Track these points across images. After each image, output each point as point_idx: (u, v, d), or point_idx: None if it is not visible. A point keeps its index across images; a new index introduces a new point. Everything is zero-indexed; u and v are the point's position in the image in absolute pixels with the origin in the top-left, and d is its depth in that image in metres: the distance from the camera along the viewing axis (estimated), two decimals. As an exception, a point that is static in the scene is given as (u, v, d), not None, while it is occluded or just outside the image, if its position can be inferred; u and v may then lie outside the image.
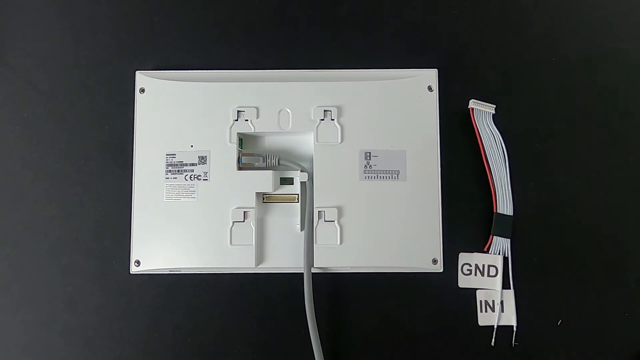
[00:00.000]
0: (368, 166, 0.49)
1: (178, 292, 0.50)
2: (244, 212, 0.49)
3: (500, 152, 0.51)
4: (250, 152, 0.51)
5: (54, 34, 0.53)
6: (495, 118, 0.51)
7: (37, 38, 0.53)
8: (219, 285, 0.50)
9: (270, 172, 0.49)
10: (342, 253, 0.48)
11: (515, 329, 0.50)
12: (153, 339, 0.50)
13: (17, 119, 0.52)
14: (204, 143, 0.50)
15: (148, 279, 0.50)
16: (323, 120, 0.50)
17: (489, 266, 0.50)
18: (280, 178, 0.50)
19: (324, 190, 0.49)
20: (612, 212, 0.51)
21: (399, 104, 0.50)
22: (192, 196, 0.49)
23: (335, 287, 0.50)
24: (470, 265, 0.51)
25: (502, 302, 0.50)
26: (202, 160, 0.49)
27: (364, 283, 0.50)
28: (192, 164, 0.49)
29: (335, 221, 0.48)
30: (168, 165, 0.50)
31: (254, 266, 0.48)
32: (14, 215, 0.51)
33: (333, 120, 0.50)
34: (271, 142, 0.52)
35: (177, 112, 0.50)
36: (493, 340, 0.50)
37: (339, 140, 0.50)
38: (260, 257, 0.49)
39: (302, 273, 0.48)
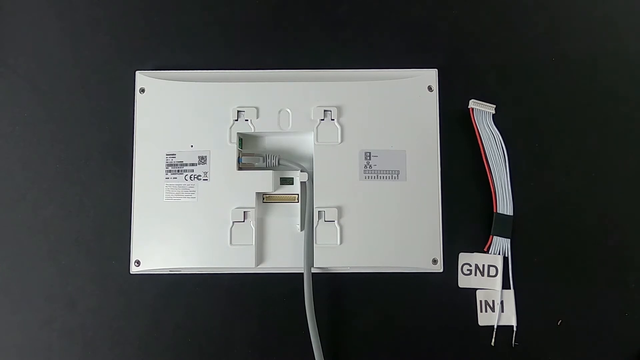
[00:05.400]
0: (368, 166, 0.49)
1: (178, 292, 0.50)
2: (244, 212, 0.49)
3: (500, 152, 0.51)
4: (250, 152, 0.51)
5: (54, 34, 0.53)
6: (495, 118, 0.51)
7: (37, 38, 0.53)
8: (219, 285, 0.50)
9: (270, 172, 0.49)
10: (342, 253, 0.48)
11: (515, 329, 0.50)
12: (153, 339, 0.50)
13: (17, 119, 0.52)
14: (204, 143, 0.50)
15: (148, 279, 0.50)
16: (323, 120, 0.50)
17: (489, 266, 0.50)
18: (280, 178, 0.50)
19: (324, 190, 0.49)
20: (612, 212, 0.51)
21: (399, 104, 0.50)
22: (192, 196, 0.49)
23: (335, 287, 0.50)
24: (470, 265, 0.51)
25: (502, 302, 0.50)
26: (202, 160, 0.49)
27: (364, 283, 0.50)
28: (192, 164, 0.49)
29: (335, 221, 0.48)
30: (168, 165, 0.50)
31: (254, 266, 0.48)
32: (14, 215, 0.51)
33: (333, 120, 0.50)
34: (271, 142, 0.52)
35: (177, 112, 0.50)
36: (493, 340, 0.50)
37: (339, 140, 0.49)
38: (260, 257, 0.49)
39: (302, 273, 0.48)
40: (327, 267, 0.49)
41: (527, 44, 0.53)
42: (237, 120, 0.50)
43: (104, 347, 0.50)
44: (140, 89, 0.51)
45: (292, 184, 0.50)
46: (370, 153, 0.49)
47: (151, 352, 0.50)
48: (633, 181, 0.52)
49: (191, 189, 0.49)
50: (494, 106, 0.51)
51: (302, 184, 0.50)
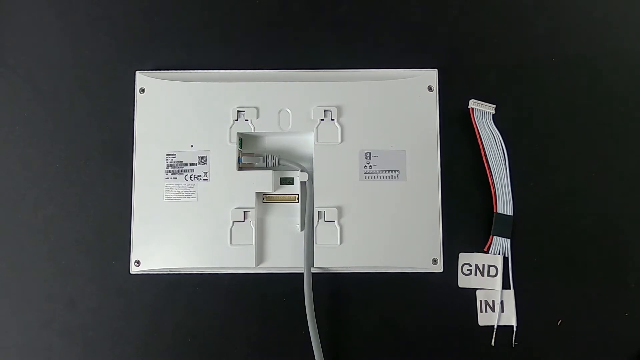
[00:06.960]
0: (368, 166, 0.49)
1: (178, 292, 0.50)
2: (244, 212, 0.49)
3: (500, 152, 0.51)
4: (250, 152, 0.51)
5: (54, 34, 0.53)
6: (495, 118, 0.51)
7: (37, 38, 0.53)
8: (219, 285, 0.50)
9: (270, 172, 0.49)
10: (342, 253, 0.48)
11: (515, 329, 0.50)
12: (153, 339, 0.50)
13: (17, 119, 0.52)
14: (204, 143, 0.50)
15: (148, 279, 0.50)
16: (323, 120, 0.50)
17: (489, 266, 0.50)
18: (280, 178, 0.50)
19: (324, 190, 0.49)
20: (612, 212, 0.51)
21: (399, 104, 0.50)
22: (192, 196, 0.49)
23: (335, 287, 0.50)
24: (470, 265, 0.51)
25: (502, 302, 0.50)
26: (202, 160, 0.49)
27: (364, 283, 0.50)
28: (192, 164, 0.49)
29: (335, 221, 0.48)
30: (168, 165, 0.50)
31: (254, 266, 0.48)
32: (14, 215, 0.51)
33: (333, 120, 0.50)
34: (271, 142, 0.52)
35: (177, 112, 0.50)
36: (493, 340, 0.50)
37: (339, 140, 0.49)
38: (260, 257, 0.49)
39: (302, 273, 0.48)
40: (327, 267, 0.49)
41: (527, 44, 0.53)
42: (237, 120, 0.50)
43: (104, 347, 0.50)
44: (140, 89, 0.51)
45: (292, 184, 0.50)
46: (370, 153, 0.49)
47: (151, 352, 0.50)
48: (633, 181, 0.52)
49: (191, 189, 0.49)
50: (494, 106, 0.51)
51: (302, 184, 0.50)
